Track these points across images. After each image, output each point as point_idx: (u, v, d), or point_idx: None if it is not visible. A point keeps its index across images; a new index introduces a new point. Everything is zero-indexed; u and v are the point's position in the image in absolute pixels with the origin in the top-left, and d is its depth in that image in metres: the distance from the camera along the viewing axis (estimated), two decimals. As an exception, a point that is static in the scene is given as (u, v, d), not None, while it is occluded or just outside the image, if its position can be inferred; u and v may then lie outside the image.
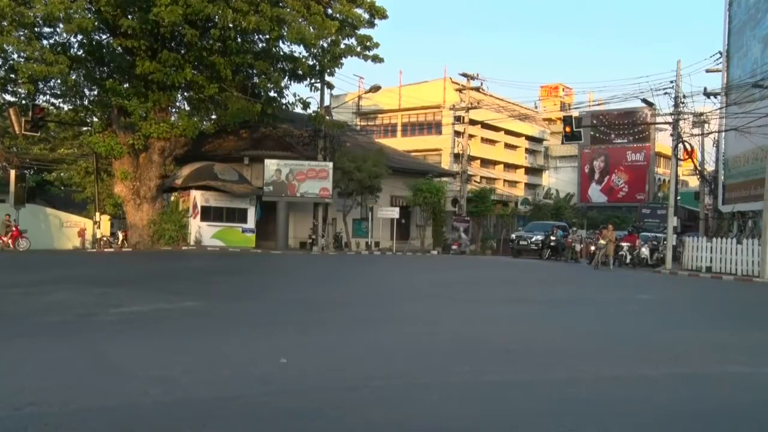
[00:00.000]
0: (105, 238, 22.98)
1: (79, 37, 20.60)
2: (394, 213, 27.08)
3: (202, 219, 22.60)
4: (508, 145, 49.80)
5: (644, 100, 23.79)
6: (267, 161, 23.49)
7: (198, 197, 22.65)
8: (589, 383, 4.65)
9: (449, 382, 4.50)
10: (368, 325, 7.06)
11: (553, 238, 24.89)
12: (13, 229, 20.81)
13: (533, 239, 25.71)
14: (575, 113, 36.53)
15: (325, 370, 4.77)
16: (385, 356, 5.36)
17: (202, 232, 22.31)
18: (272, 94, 23.51)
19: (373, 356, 5.37)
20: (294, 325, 6.81)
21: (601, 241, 20.83)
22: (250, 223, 23.32)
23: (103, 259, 16.93)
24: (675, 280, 16.82)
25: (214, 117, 23.97)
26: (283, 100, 23.84)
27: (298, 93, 28.77)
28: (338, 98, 36.09)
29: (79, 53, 21.13)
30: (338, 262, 17.87)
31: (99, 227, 23.82)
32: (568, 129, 19.53)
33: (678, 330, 7.63)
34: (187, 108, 23.38)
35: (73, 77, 20.87)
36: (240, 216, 23.20)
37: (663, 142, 47.22)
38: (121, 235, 23.34)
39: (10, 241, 20.56)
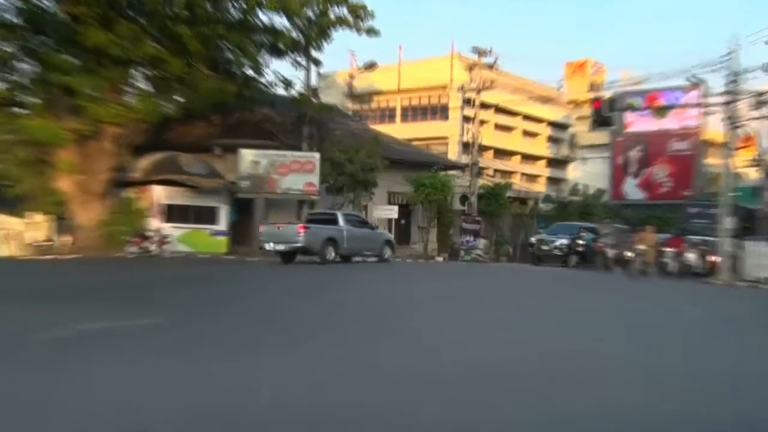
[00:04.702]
0: (43, 243, 22.47)
1: (15, 1, 20.24)
2: (392, 212, 27.21)
3: (165, 220, 22.63)
4: (526, 133, 49.76)
5: (691, 78, 23.52)
6: (242, 151, 23.51)
7: (160, 194, 22.66)
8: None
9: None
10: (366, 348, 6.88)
11: (580, 242, 24.67)
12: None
13: (557, 243, 25.67)
14: (607, 94, 36.28)
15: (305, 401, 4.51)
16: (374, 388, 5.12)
17: (164, 235, 22.25)
18: (249, 72, 23.58)
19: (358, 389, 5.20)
20: (268, 346, 6.83)
21: (639, 246, 20.58)
22: (222, 224, 23.41)
23: (43, 268, 16.71)
24: (732, 293, 16.66)
25: (179, 99, 23.73)
26: (262, 80, 23.95)
27: (279, 71, 29.31)
28: (327, 78, 35.73)
29: (15, 21, 20.74)
30: (324, 271, 17.76)
31: (40, 229, 23.36)
32: (596, 104, 19.26)
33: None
34: (147, 88, 23.13)
35: (8, 49, 20.49)
36: (210, 216, 23.30)
37: (714, 127, 47.11)
38: (57, 239, 22.79)
39: None
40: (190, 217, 22.98)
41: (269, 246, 19.95)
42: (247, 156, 23.51)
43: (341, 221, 20.88)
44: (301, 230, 19.59)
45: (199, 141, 24.70)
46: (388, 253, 22.31)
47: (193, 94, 21.98)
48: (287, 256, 20.05)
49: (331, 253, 20.00)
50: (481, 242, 30.40)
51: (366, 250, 21.62)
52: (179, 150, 23.58)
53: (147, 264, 18.14)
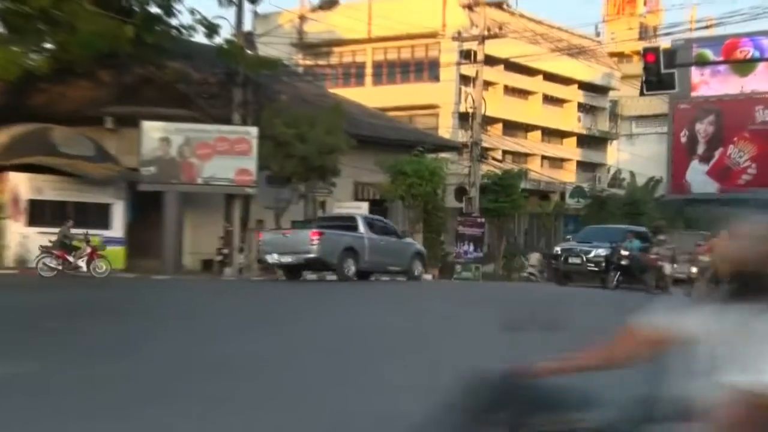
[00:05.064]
0: None
1: None
2: (361, 212, 27.04)
3: (30, 222, 22.67)
4: (549, 99, 50.10)
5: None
6: (146, 124, 23.75)
7: (20, 185, 22.69)
8: None
9: None
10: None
11: (624, 252, 24.94)
12: None
13: (592, 255, 25.91)
14: (665, 43, 36.53)
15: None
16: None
17: (29, 243, 22.08)
18: (154, 9, 23.71)
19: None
20: (175, 403, 6.83)
21: (706, 258, 20.77)
22: (117, 229, 23.63)
23: None
24: None
25: (49, 46, 23.72)
26: (174, 21, 24.18)
27: (198, 10, 28.67)
28: (268, 19, 35.74)
29: None
30: (263, 295, 17.90)
31: None
32: (649, 57, 19.33)
33: None
34: (2, 31, 22.96)
35: None
36: (99, 217, 23.36)
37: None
38: None
39: None
40: (69, 219, 22.67)
41: (272, 258, 21.59)
42: (153, 131, 23.75)
43: (362, 227, 22.34)
44: (315, 237, 20.86)
45: (81, 108, 24.61)
46: (418, 269, 23.97)
47: (70, 40, 21.80)
48: (294, 271, 21.79)
49: (350, 268, 21.41)
50: (534, 257, 31.39)
51: (391, 264, 23.16)
52: (51, 122, 23.42)
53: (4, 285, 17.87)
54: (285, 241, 21.37)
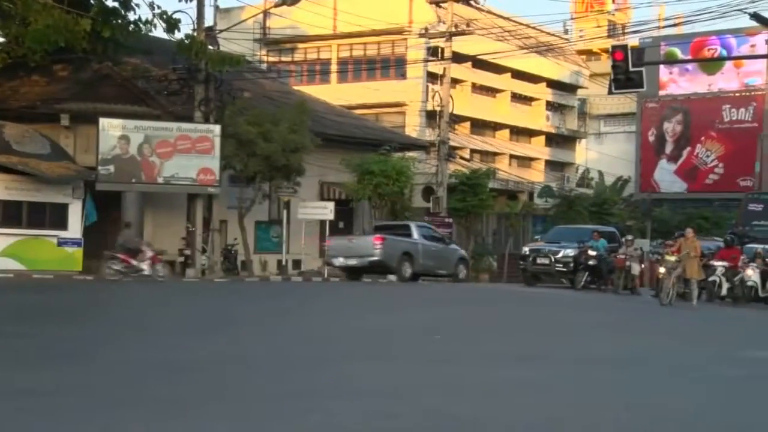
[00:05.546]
0: None
1: None
2: (326, 212, 27.22)
3: None
4: (517, 97, 50.29)
5: (755, 16, 23.91)
6: (103, 121, 23.49)
7: None
8: None
9: None
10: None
11: (592, 253, 24.95)
12: None
13: (560, 255, 26.05)
14: (634, 41, 36.55)
15: None
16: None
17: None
18: (111, 2, 23.29)
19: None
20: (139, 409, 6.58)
21: (673, 257, 20.69)
22: (74, 229, 23.32)
23: None
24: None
25: (2, 40, 23.76)
26: (132, 15, 23.77)
27: (157, 4, 28.10)
28: (230, 14, 35.84)
29: None
30: (226, 295, 17.89)
31: None
32: (617, 54, 19.22)
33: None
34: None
35: None
36: (55, 217, 23.29)
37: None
38: None
39: None
40: (21, 220, 22.92)
41: (339, 261, 24.83)
42: (111, 128, 23.60)
43: (415, 233, 25.16)
44: (378, 242, 23.76)
45: (36, 104, 24.49)
46: (463, 272, 26.69)
47: (23, 33, 21.45)
48: (356, 273, 24.81)
49: (407, 270, 24.27)
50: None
51: (439, 268, 26.03)
52: (3, 118, 23.46)
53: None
54: (350, 246, 24.64)
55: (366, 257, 23.57)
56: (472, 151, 43.58)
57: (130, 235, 22.62)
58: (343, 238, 25.68)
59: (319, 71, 44.80)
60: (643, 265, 25.46)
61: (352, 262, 24.04)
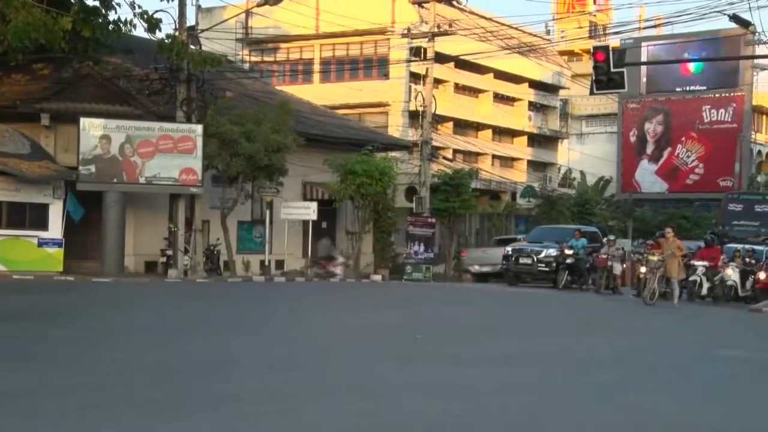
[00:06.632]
0: None
1: None
2: (309, 212, 27.23)
3: None
4: (499, 97, 50.25)
5: (734, 17, 23.98)
6: (84, 121, 23.41)
7: None
8: None
9: None
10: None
11: (569, 252, 25.12)
12: None
13: (542, 255, 26.17)
14: (615, 42, 36.73)
15: None
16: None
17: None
18: (91, 1, 23.29)
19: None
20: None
21: (654, 257, 20.88)
22: (55, 230, 23.15)
23: None
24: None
25: None
26: (113, 15, 23.82)
27: (138, 4, 28.08)
28: (212, 13, 36.00)
29: None
30: (208, 296, 17.65)
31: None
32: (599, 55, 19.30)
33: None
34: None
35: None
36: (36, 218, 23.19)
37: (767, 88, 48.31)
38: None
39: None
40: (1, 220, 22.93)
41: (474, 269, 30.38)
42: (92, 128, 23.46)
43: None
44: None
45: (16, 104, 24.18)
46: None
47: (2, 32, 21.46)
48: (484, 278, 29.56)
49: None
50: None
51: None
52: None
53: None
54: (483, 255, 30.11)
55: (497, 265, 27.30)
56: (455, 151, 43.52)
57: (327, 245, 27.06)
58: (479, 249, 31.46)
59: (301, 71, 44.52)
60: (624, 265, 25.56)
61: (486, 269, 29.12)
